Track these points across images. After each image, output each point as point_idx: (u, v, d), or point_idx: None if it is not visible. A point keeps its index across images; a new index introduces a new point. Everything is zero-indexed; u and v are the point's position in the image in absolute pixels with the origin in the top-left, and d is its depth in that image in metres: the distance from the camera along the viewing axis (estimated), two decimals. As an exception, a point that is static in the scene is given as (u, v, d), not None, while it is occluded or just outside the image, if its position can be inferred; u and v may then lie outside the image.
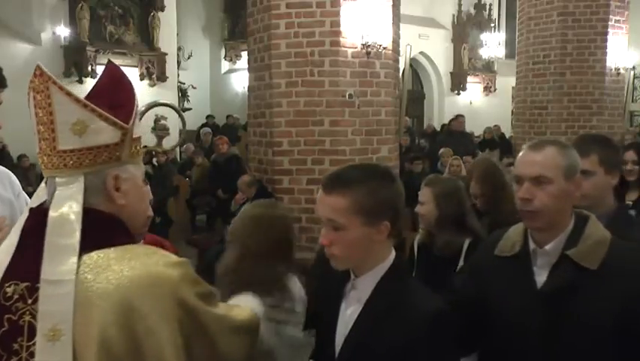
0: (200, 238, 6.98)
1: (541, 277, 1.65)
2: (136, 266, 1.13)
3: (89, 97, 1.23)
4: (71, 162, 1.18)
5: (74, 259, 1.13)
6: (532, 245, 1.70)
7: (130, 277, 1.12)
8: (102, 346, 1.08)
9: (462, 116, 9.97)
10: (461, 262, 2.61)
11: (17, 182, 2.29)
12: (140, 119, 1.70)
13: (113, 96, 1.24)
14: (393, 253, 1.53)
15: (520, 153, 1.74)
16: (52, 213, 1.17)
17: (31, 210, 1.25)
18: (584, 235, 1.64)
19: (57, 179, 1.20)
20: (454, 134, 9.46)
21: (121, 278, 1.11)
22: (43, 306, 1.12)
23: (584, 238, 1.63)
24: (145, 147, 1.72)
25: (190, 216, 8.48)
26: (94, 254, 1.15)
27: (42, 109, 1.18)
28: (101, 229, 1.19)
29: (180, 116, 1.88)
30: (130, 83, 1.29)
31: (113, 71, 1.30)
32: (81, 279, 1.12)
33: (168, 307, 1.13)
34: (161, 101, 2.05)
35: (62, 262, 1.13)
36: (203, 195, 8.22)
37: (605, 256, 1.60)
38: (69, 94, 1.18)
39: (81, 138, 1.18)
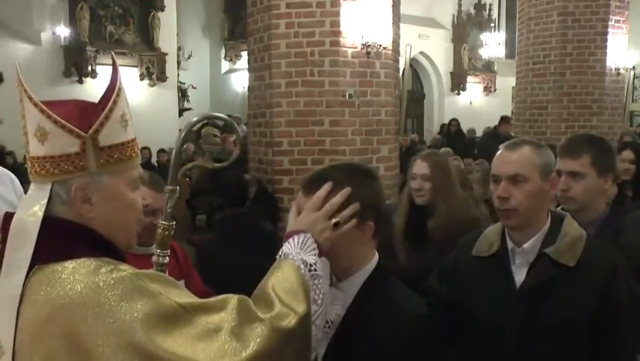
0: (200, 238, 6.98)
1: (519, 276, 1.68)
2: (84, 285, 1.06)
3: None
4: (38, 169, 1.15)
5: (23, 273, 1.09)
6: (510, 244, 1.73)
7: (73, 297, 1.05)
8: None
9: (511, 118, 9.74)
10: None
11: (19, 183, 2.28)
12: (190, 130, 1.66)
13: (101, 99, 1.20)
14: (376, 255, 1.48)
15: (497, 153, 1.77)
16: (14, 220, 1.14)
17: (6, 213, 1.21)
18: (561, 233, 1.68)
19: (31, 185, 1.18)
20: (499, 137, 9.24)
21: (66, 297, 1.05)
22: None
23: (561, 236, 1.67)
24: (188, 163, 1.70)
25: (190, 216, 8.48)
26: (49, 267, 1.09)
27: (20, 112, 1.17)
28: (64, 240, 1.12)
29: (235, 128, 1.86)
30: (111, 89, 1.20)
31: (112, 73, 1.24)
32: (28, 294, 1.08)
33: (106, 331, 1.02)
34: (215, 114, 2.04)
35: (13, 273, 1.09)
36: (203, 195, 8.22)
37: (582, 253, 1.64)
38: (30, 98, 1.14)
39: (44, 146, 1.13)
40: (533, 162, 1.67)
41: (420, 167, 2.77)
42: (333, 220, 1.34)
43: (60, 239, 1.13)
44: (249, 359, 1.05)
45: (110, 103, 1.17)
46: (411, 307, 1.42)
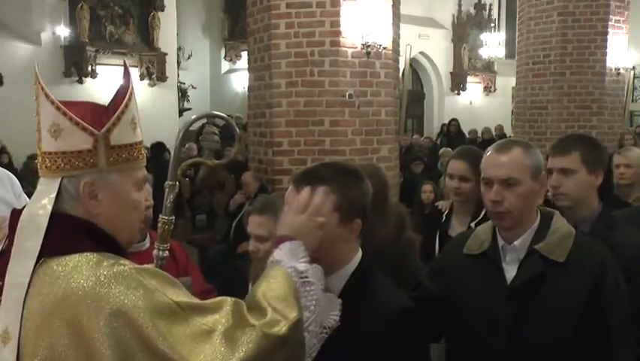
0: (200, 238, 6.98)
1: (510, 273, 1.70)
2: (89, 277, 1.09)
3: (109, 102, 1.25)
4: (49, 164, 1.19)
5: (31, 264, 1.13)
6: (500, 242, 1.75)
7: (77, 288, 1.09)
8: (47, 358, 1.07)
9: None
10: None
11: (18, 183, 2.29)
12: (189, 127, 1.70)
13: (112, 101, 1.25)
14: (360, 252, 1.52)
15: (487, 155, 1.76)
16: (24, 213, 1.19)
17: (13, 209, 1.27)
18: (550, 230, 1.70)
19: (40, 179, 1.22)
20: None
21: (70, 288, 1.09)
22: (2, 307, 1.13)
23: (550, 233, 1.69)
24: (192, 158, 1.73)
25: (190, 217, 8.47)
26: (54, 260, 1.13)
27: (35, 109, 1.21)
28: (72, 235, 1.17)
29: (232, 126, 1.88)
30: (124, 89, 1.26)
31: (124, 75, 1.30)
32: (34, 284, 1.12)
33: (109, 323, 1.05)
34: (213, 112, 2.07)
35: (21, 264, 1.14)
36: (203, 195, 8.21)
37: (571, 249, 1.66)
38: (47, 95, 1.18)
39: (57, 142, 1.18)
40: (524, 164, 1.69)
41: None
42: (319, 220, 1.38)
43: (66, 234, 1.17)
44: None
45: (122, 105, 1.22)
46: (393, 301, 1.46)
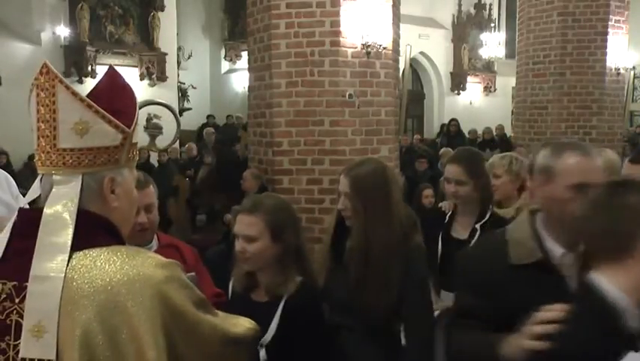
0: (200, 238, 6.98)
1: (572, 280, 1.56)
2: (124, 266, 1.14)
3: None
4: (70, 161, 1.19)
5: (64, 257, 1.14)
6: (558, 250, 1.65)
7: (117, 277, 1.13)
8: (84, 344, 1.08)
9: None
10: (279, 313, 1.96)
11: (14, 184, 2.30)
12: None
13: (115, 102, 1.26)
14: None
15: (575, 160, 1.63)
16: (46, 211, 1.18)
17: (20, 209, 1.27)
18: None
19: (54, 177, 1.20)
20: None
21: (108, 278, 1.12)
22: (30, 302, 1.13)
23: None
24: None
25: (190, 217, 8.48)
26: (83, 253, 1.15)
27: (45, 106, 1.19)
28: (93, 230, 1.20)
29: (175, 114, 1.88)
30: (132, 90, 1.31)
31: (114, 77, 1.31)
32: (69, 277, 1.13)
33: (153, 308, 1.12)
34: (155, 100, 2.06)
35: (52, 259, 1.14)
36: (205, 195, 8.21)
37: None
38: (75, 93, 1.19)
39: (82, 138, 1.19)
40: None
41: (342, 184, 2.26)
42: None
43: (90, 230, 1.19)
44: (252, 328, 1.45)
45: (137, 106, 1.29)
46: None
